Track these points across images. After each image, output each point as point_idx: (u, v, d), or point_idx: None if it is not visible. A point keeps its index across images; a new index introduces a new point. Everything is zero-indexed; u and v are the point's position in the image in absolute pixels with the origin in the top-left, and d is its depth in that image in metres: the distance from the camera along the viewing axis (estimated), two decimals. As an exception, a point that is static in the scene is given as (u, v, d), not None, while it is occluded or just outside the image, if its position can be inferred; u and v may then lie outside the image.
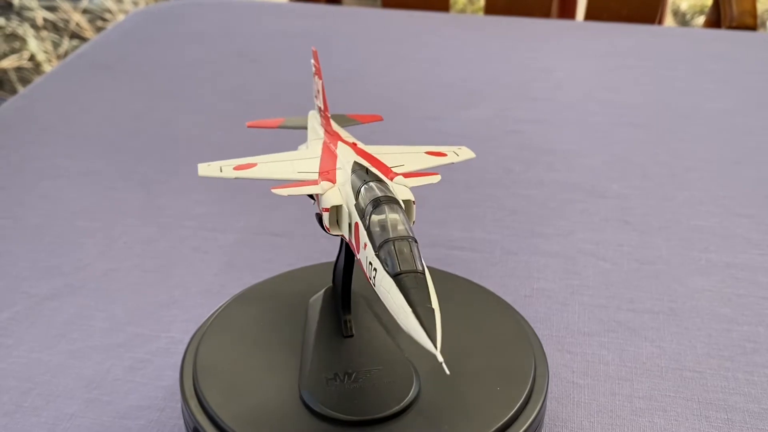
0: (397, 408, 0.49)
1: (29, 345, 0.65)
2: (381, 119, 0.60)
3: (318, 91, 0.57)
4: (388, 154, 0.52)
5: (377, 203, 0.43)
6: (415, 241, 0.41)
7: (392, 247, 0.41)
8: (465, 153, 0.54)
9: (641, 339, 0.65)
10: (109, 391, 0.60)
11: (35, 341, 0.65)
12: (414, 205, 0.47)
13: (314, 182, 0.48)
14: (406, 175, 0.49)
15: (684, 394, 0.59)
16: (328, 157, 0.51)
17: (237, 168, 0.50)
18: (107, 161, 0.92)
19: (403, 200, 0.45)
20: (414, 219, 0.47)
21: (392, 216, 0.42)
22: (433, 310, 0.38)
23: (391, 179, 0.48)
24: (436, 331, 0.38)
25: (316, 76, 0.57)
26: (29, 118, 1.03)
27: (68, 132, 0.99)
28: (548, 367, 0.55)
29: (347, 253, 0.54)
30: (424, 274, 0.40)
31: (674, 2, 2.82)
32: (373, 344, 0.55)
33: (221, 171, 0.50)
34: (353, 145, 0.52)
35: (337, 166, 0.49)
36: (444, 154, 0.53)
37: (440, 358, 0.37)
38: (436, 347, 0.37)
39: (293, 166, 0.51)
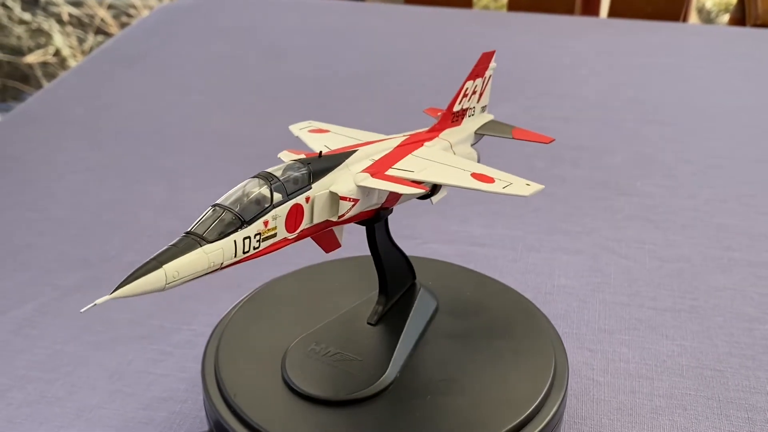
0: (358, 394, 0.50)
1: (54, 336, 0.66)
2: (552, 140, 0.58)
3: (471, 92, 0.57)
4: (431, 162, 0.50)
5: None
6: (224, 209, 0.42)
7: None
8: (517, 187, 0.47)
9: (662, 337, 0.65)
10: (132, 382, 0.61)
11: (60, 332, 0.66)
12: (343, 200, 0.46)
13: None
14: (397, 179, 0.47)
15: (705, 393, 0.59)
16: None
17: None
18: (132, 155, 0.93)
19: (330, 191, 0.45)
20: (342, 212, 0.46)
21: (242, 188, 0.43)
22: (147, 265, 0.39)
23: (372, 174, 0.47)
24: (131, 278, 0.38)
25: (479, 79, 0.57)
26: (56, 112, 1.04)
27: (94, 126, 1.00)
28: (568, 364, 0.55)
29: (370, 242, 0.54)
30: (193, 235, 0.40)
31: (699, 0, 2.80)
32: (380, 336, 0.55)
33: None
34: (410, 145, 0.52)
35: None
36: (490, 180, 0.48)
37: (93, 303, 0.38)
38: (112, 292, 0.38)
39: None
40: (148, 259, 0.39)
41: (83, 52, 2.83)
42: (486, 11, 1.89)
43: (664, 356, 0.63)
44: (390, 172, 0.48)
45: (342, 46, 1.24)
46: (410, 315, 0.55)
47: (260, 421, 0.48)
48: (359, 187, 0.46)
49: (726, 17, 2.70)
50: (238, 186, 0.43)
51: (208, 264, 0.40)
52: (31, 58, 2.75)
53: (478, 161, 0.56)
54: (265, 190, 0.43)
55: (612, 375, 0.61)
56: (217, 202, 0.42)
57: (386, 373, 0.51)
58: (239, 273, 0.72)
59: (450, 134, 0.56)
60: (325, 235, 0.49)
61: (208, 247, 0.40)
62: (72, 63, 2.74)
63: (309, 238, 0.48)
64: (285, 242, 0.44)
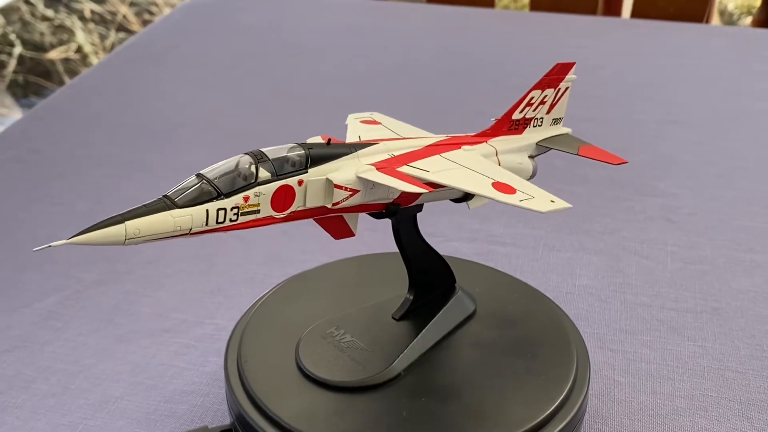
0: (352, 383, 0.51)
1: (77, 329, 0.66)
2: (624, 162, 0.56)
3: (539, 102, 0.56)
4: (456, 165, 0.50)
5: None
6: (204, 178, 0.43)
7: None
8: (537, 202, 0.46)
9: (684, 338, 0.64)
10: (154, 375, 0.61)
11: (83, 325, 0.66)
12: (337, 188, 0.46)
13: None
14: (403, 176, 0.47)
15: (726, 395, 0.59)
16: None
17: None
18: (155, 150, 0.94)
19: (327, 177, 0.46)
20: (336, 200, 0.46)
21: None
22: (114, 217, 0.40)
23: (380, 168, 0.47)
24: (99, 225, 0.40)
25: (550, 89, 0.56)
26: (80, 108, 1.05)
27: (118, 121, 1.01)
28: (590, 364, 0.55)
29: (395, 236, 0.54)
30: (167, 198, 0.42)
31: (721, 2, 2.78)
32: (399, 331, 0.55)
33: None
34: (444, 146, 0.52)
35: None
36: (511, 191, 0.47)
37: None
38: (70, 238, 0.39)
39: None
40: (115, 214, 0.40)
41: (105, 49, 2.85)
42: (508, 11, 1.89)
43: (685, 357, 0.63)
44: (403, 168, 0.48)
45: (363, 44, 1.24)
46: (437, 316, 0.55)
47: (284, 416, 0.49)
48: (359, 178, 0.46)
49: (748, 19, 2.69)
50: (228, 159, 0.44)
51: (173, 227, 0.41)
52: (54, 55, 2.77)
53: (533, 174, 0.56)
54: (251, 167, 0.44)
55: (633, 375, 0.61)
56: (201, 171, 0.43)
57: (390, 367, 0.52)
58: (261, 268, 0.72)
59: (501, 141, 0.55)
60: (332, 221, 0.49)
61: (176, 211, 0.41)
62: (94, 60, 2.76)
63: (316, 224, 0.48)
64: (272, 220, 0.45)
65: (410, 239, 0.54)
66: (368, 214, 0.51)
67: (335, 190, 0.46)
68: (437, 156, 0.51)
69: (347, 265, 0.64)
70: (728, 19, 2.82)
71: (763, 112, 1.02)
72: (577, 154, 0.57)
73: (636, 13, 1.43)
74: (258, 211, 0.44)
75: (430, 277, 0.56)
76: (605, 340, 0.64)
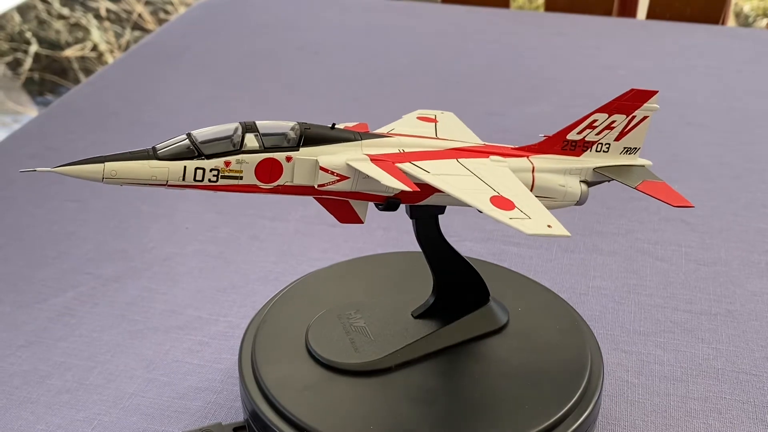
0: (336, 363, 0.52)
1: (92, 324, 0.67)
2: (689, 206, 0.53)
3: (604, 126, 0.53)
4: (468, 172, 0.49)
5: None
6: (190, 138, 0.46)
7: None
8: (528, 224, 0.44)
9: (698, 340, 0.64)
10: (168, 371, 0.62)
11: (98, 321, 0.67)
12: (322, 171, 0.47)
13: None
14: (394, 171, 0.47)
15: (740, 397, 0.59)
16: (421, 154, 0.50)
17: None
18: (170, 149, 0.94)
19: (317, 159, 0.47)
20: (321, 182, 0.47)
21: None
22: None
23: (375, 160, 0.48)
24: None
25: (620, 114, 0.53)
26: (96, 105, 1.06)
27: (133, 119, 1.01)
28: (603, 365, 0.54)
29: (416, 234, 0.54)
30: (152, 149, 0.45)
31: (737, 3, 2.77)
32: (411, 328, 0.55)
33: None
34: (469, 152, 0.51)
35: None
36: (508, 207, 0.46)
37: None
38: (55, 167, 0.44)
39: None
40: (101, 155, 0.44)
41: (120, 48, 2.86)
42: (523, 11, 1.88)
43: (699, 359, 0.62)
44: (403, 165, 0.48)
45: (378, 43, 1.24)
46: (454, 323, 0.55)
47: (297, 414, 0.49)
48: (348, 165, 0.47)
49: (764, 21, 2.67)
50: (223, 125, 0.47)
51: (149, 176, 0.44)
52: (69, 53, 2.79)
53: (581, 201, 0.54)
54: (238, 135, 0.46)
55: (646, 377, 0.61)
56: (193, 131, 0.46)
57: (378, 358, 0.52)
58: (275, 266, 0.73)
59: (544, 159, 0.53)
60: (337, 204, 0.50)
61: (154, 162, 0.44)
62: (109, 58, 2.77)
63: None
64: (256, 189, 0.47)
65: (430, 241, 0.54)
66: (374, 204, 0.50)
67: (321, 172, 0.47)
68: (454, 160, 0.50)
69: (361, 263, 0.64)
70: (744, 20, 2.81)
71: (780, 115, 1.02)
72: (635, 188, 0.53)
73: (652, 14, 1.42)
74: (240, 178, 0.46)
75: (454, 282, 0.56)
76: (619, 342, 0.64)
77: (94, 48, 2.84)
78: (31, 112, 2.38)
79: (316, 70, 1.15)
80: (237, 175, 0.46)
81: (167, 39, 1.29)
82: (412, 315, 0.56)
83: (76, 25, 2.97)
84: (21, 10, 3.03)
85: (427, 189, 0.49)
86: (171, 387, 0.60)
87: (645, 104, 0.54)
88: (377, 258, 0.65)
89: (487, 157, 0.51)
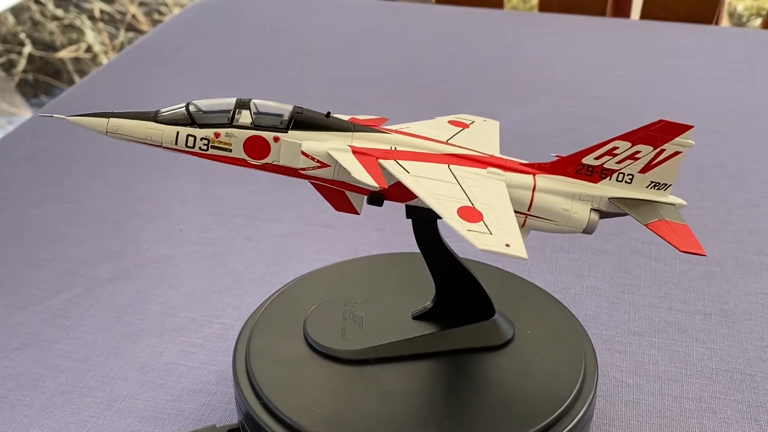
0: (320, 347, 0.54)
1: (86, 327, 0.66)
2: (701, 254, 0.50)
3: (627, 156, 0.50)
4: (451, 179, 0.48)
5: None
6: (188, 107, 0.49)
7: None
8: (486, 239, 0.43)
9: (692, 340, 0.64)
10: (163, 374, 0.62)
11: (92, 323, 0.67)
12: (303, 155, 0.48)
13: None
14: (370, 166, 0.48)
15: (735, 397, 0.59)
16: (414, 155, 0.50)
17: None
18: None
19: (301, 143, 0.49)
20: (302, 166, 0.48)
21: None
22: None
23: (357, 152, 0.49)
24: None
25: (645, 145, 0.50)
26: (91, 106, 1.05)
27: (127, 121, 1.01)
28: (598, 366, 0.55)
29: (415, 236, 0.53)
30: (155, 112, 0.49)
31: (731, 3, 2.77)
32: (407, 328, 0.55)
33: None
34: (466, 160, 0.50)
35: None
36: (474, 218, 0.45)
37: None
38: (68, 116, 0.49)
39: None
40: (110, 111, 0.49)
41: (114, 49, 2.86)
42: (517, 12, 1.89)
43: (693, 359, 0.62)
44: (386, 162, 0.48)
45: (372, 45, 1.24)
46: (451, 330, 0.55)
47: (292, 416, 0.49)
48: (328, 153, 0.48)
49: (758, 21, 2.68)
50: (222, 99, 0.50)
51: (144, 135, 0.48)
52: (63, 54, 2.78)
53: (588, 230, 0.51)
54: (232, 110, 0.49)
55: (641, 377, 0.61)
56: (194, 100, 0.49)
57: (358, 350, 0.53)
58: (270, 267, 0.73)
59: (552, 180, 0.50)
60: (333, 192, 0.50)
61: (152, 124, 0.48)
62: (103, 59, 2.77)
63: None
64: (246, 164, 0.49)
65: (427, 243, 0.54)
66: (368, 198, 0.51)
67: (302, 157, 0.48)
68: (445, 166, 0.49)
69: (356, 264, 0.64)
70: (738, 20, 2.82)
71: (773, 114, 1.02)
72: (646, 226, 0.50)
73: (645, 15, 1.43)
74: (230, 150, 0.49)
75: (453, 289, 0.55)
76: (613, 342, 0.64)
77: (89, 49, 2.84)
78: (25, 113, 2.38)
79: (310, 71, 1.15)
80: (226, 147, 0.49)
81: (161, 40, 1.28)
82: (411, 316, 0.56)
83: (70, 27, 2.96)
84: (15, 11, 3.02)
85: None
86: (165, 389, 0.60)
87: (677, 138, 0.50)
88: (371, 259, 0.65)
89: (485, 168, 0.50)
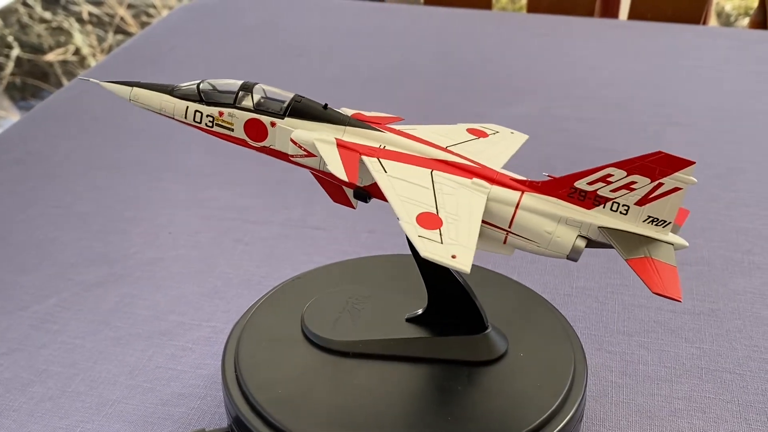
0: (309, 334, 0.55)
1: (74, 331, 0.66)
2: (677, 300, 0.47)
3: (621, 185, 0.47)
4: (426, 185, 0.48)
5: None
6: (200, 85, 0.53)
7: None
8: (433, 246, 0.43)
9: (681, 340, 0.64)
10: (151, 378, 0.61)
11: (80, 328, 0.66)
12: (292, 142, 0.50)
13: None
14: (347, 161, 0.49)
15: (724, 396, 0.59)
16: (401, 157, 0.50)
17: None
18: (154, 153, 0.93)
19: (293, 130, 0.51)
20: (292, 153, 0.51)
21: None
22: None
23: (341, 146, 0.50)
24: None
25: (642, 176, 0.47)
26: (79, 110, 1.05)
27: (116, 123, 1.01)
28: (587, 366, 0.55)
29: (412, 248, 0.50)
30: (173, 86, 0.53)
31: (718, 3, 2.78)
32: (398, 329, 0.55)
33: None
34: (453, 167, 0.50)
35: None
36: (432, 225, 0.45)
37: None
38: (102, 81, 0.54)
39: None
40: (139, 81, 0.53)
41: (103, 51, 2.85)
42: (505, 12, 1.89)
43: (683, 359, 0.63)
44: (367, 159, 0.49)
45: (362, 46, 1.24)
46: (439, 338, 0.55)
47: (281, 419, 0.49)
48: (314, 143, 0.50)
49: (745, 21, 2.69)
50: (233, 80, 0.53)
51: (159, 106, 0.53)
52: (51, 56, 2.77)
53: (571, 256, 0.48)
54: (237, 92, 0.52)
55: (630, 377, 0.61)
56: (208, 79, 0.53)
57: (341, 341, 0.54)
58: (259, 270, 0.72)
59: (540, 200, 0.49)
60: (329, 182, 0.52)
61: (167, 96, 0.52)
62: (92, 61, 2.76)
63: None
64: (246, 144, 0.52)
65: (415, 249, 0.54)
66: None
67: (291, 144, 0.50)
68: (428, 171, 0.49)
69: (345, 266, 0.64)
70: (726, 20, 2.83)
71: (762, 114, 1.02)
72: (626, 261, 0.47)
73: (633, 15, 1.43)
74: (232, 129, 0.52)
75: (443, 297, 0.55)
76: (603, 342, 0.64)
77: (77, 52, 2.83)
78: (13, 116, 2.37)
79: (300, 72, 1.15)
80: (228, 126, 0.52)
81: (150, 42, 1.28)
82: (405, 319, 0.56)
83: (58, 29, 2.95)
84: (2, 14, 3.01)
85: None
86: (154, 393, 0.60)
87: (677, 173, 0.46)
88: (361, 261, 0.65)
89: (471, 178, 0.49)
